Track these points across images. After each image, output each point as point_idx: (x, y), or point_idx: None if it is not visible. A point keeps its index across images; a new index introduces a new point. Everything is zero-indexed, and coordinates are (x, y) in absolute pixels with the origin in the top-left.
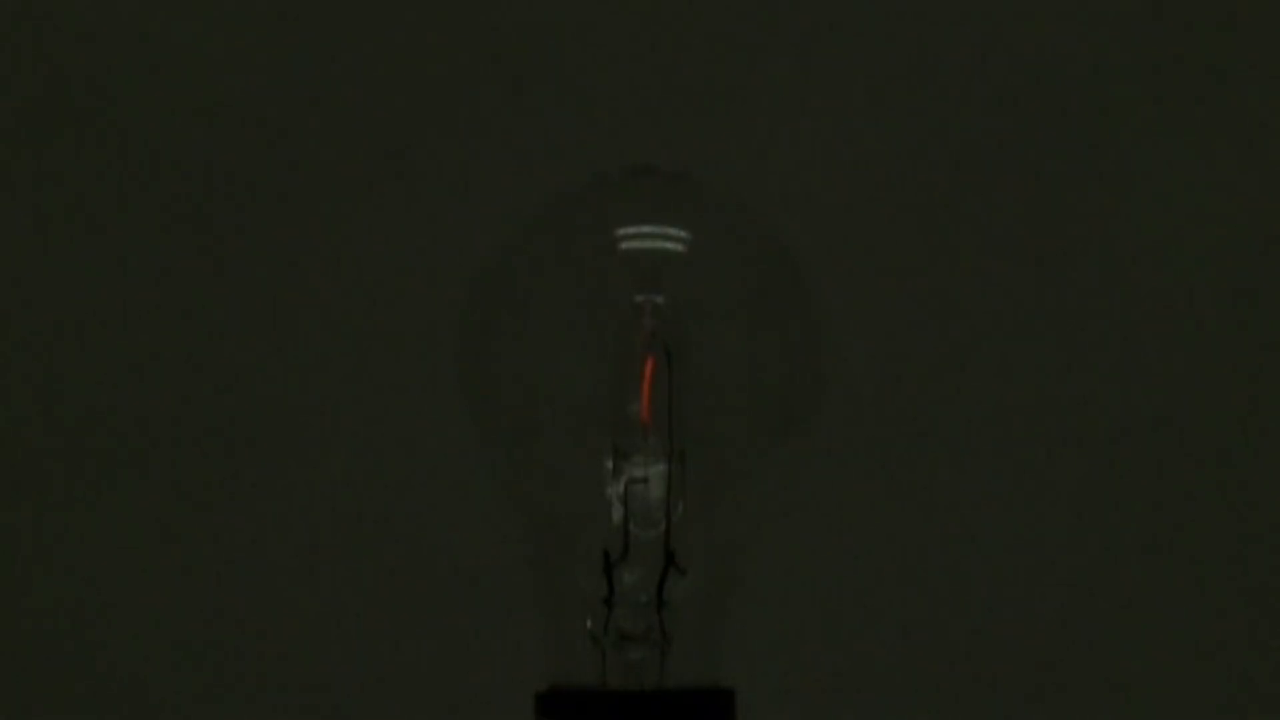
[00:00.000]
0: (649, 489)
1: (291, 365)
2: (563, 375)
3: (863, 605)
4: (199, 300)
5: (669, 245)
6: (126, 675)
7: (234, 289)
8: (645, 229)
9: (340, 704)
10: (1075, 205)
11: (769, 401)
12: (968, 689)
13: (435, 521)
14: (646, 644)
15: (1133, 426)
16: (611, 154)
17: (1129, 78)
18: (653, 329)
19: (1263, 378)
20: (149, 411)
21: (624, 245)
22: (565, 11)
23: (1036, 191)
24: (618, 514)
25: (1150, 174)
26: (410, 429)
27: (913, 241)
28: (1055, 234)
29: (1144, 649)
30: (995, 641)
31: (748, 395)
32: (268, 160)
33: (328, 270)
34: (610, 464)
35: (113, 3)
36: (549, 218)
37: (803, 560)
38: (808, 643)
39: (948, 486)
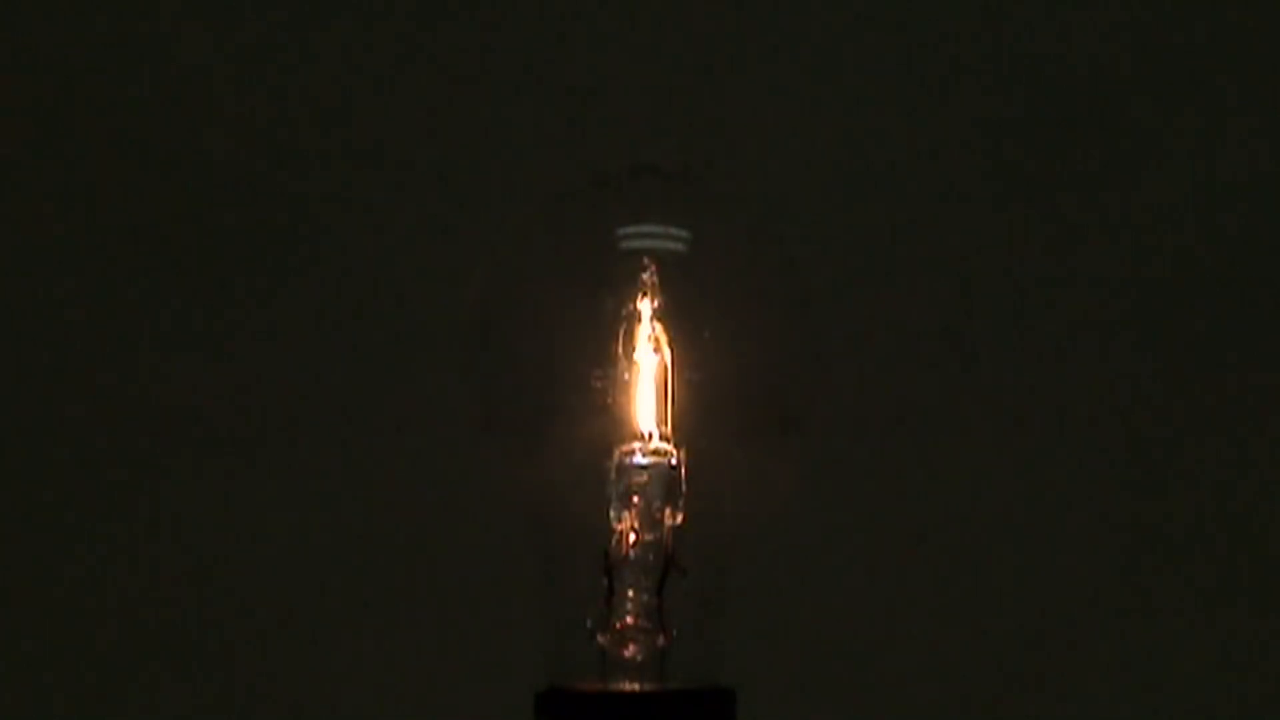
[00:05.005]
0: (649, 489)
1: (291, 365)
2: (563, 375)
3: (862, 605)
4: (198, 300)
5: (669, 245)
6: (124, 674)
7: (234, 289)
8: (645, 229)
9: (340, 704)
10: (1076, 206)
11: (768, 401)
12: (968, 689)
13: (435, 521)
14: (647, 644)
15: (1132, 427)
16: (611, 154)
17: (1130, 78)
18: (652, 329)
19: (1263, 377)
20: (147, 411)
21: (624, 245)
22: (565, 11)
23: (1037, 192)
24: (618, 514)
25: (1150, 174)
26: (410, 429)
27: (912, 241)
28: (1056, 234)
29: (1144, 648)
30: (995, 641)
31: (747, 395)
32: (268, 160)
33: (327, 270)
34: (610, 464)
35: (115, 2)
36: (549, 218)
37: (803, 560)
38: (808, 643)
39: (947, 486)
